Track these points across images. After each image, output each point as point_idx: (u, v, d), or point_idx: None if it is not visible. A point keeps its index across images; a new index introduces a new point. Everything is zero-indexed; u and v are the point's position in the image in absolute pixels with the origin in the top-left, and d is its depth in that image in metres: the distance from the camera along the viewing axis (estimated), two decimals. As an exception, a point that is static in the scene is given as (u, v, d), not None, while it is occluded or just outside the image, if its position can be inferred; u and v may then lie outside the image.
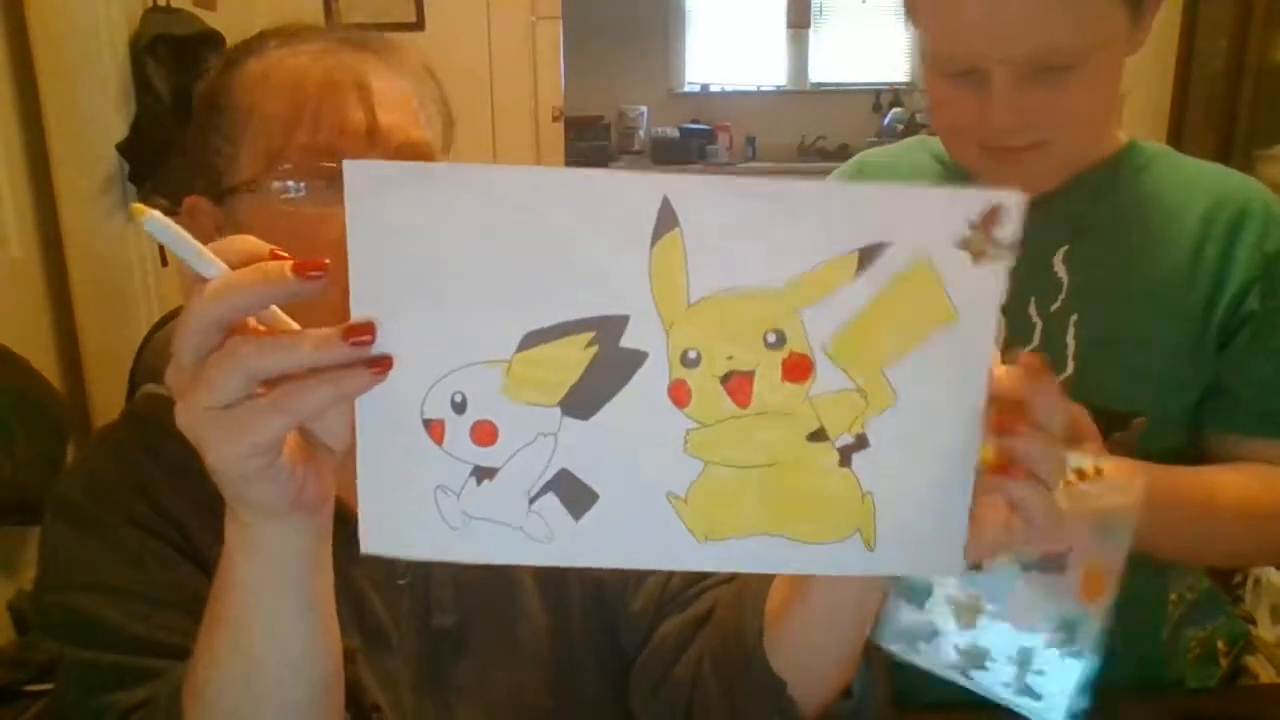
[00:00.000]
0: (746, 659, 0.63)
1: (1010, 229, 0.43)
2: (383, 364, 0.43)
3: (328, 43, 0.69)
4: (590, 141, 5.09)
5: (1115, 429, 0.85)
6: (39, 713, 1.50)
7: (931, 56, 0.82)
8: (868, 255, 0.43)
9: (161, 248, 2.11)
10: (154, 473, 0.69)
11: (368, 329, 0.42)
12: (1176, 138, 2.68)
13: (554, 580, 0.76)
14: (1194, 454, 0.89)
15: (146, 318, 2.02)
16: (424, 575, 0.73)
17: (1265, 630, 1.76)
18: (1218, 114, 2.48)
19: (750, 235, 0.43)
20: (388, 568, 0.72)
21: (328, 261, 0.42)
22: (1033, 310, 0.88)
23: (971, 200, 0.42)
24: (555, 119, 3.00)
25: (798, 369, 0.45)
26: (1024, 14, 0.75)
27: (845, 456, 0.46)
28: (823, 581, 0.57)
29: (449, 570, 0.73)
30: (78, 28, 1.93)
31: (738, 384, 0.45)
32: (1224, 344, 0.85)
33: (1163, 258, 0.86)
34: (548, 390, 0.45)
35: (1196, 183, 0.89)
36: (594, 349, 0.44)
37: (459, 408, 0.45)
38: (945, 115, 0.86)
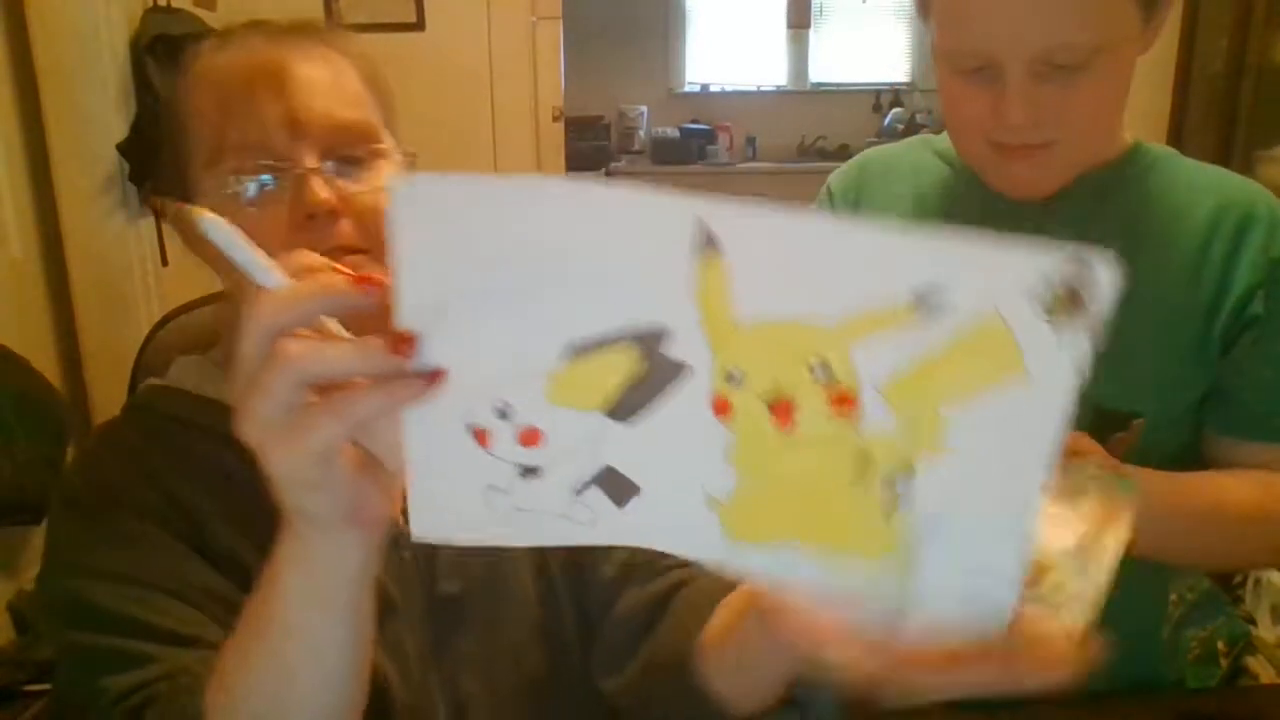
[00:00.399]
0: (687, 688, 0.65)
1: (1098, 294, 0.40)
2: (436, 376, 0.43)
3: (255, 39, 0.70)
4: (590, 141, 5.09)
5: (1115, 430, 0.85)
6: (39, 712, 1.50)
7: (944, 53, 0.82)
8: (928, 301, 0.41)
9: (162, 247, 2.11)
10: (157, 461, 0.70)
11: (409, 340, 0.42)
12: (1176, 138, 2.67)
13: (537, 551, 0.78)
14: (1195, 456, 0.89)
15: (146, 318, 2.02)
16: (428, 545, 0.74)
17: (1265, 630, 1.76)
18: (1218, 114, 2.48)
19: (800, 266, 0.42)
20: (393, 540, 0.73)
21: (385, 280, 0.42)
22: None
23: (1053, 258, 0.40)
24: (555, 119, 3.00)
25: (844, 402, 0.44)
26: (1037, 10, 0.75)
27: (890, 495, 0.45)
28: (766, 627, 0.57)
29: None
30: (78, 28, 1.93)
31: (781, 407, 0.44)
32: (1226, 347, 0.85)
33: (1167, 260, 0.86)
34: (591, 397, 0.45)
35: (1201, 185, 0.89)
36: (637, 359, 0.44)
37: (503, 415, 0.45)
38: (956, 112, 0.86)
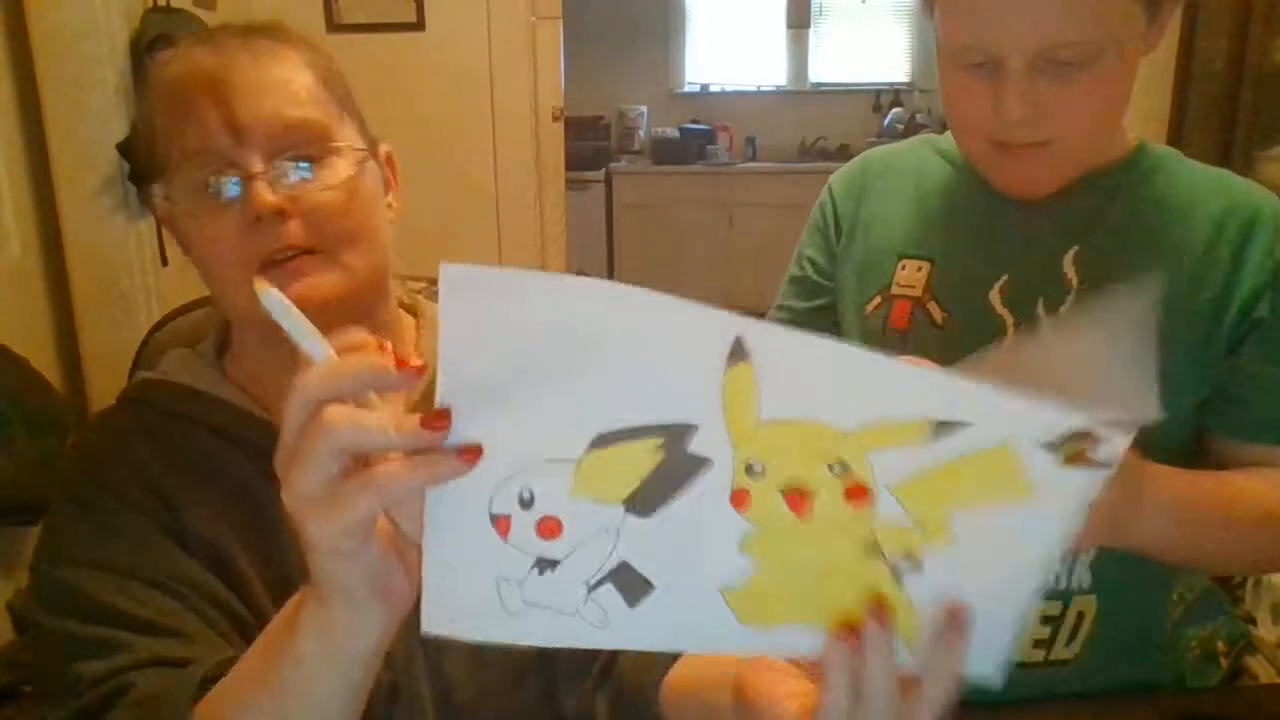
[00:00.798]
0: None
1: (1110, 451, 0.42)
2: (472, 452, 0.44)
3: (202, 47, 0.71)
4: (590, 141, 5.09)
5: None
6: (39, 713, 1.49)
7: (947, 48, 0.82)
8: (946, 429, 0.44)
9: (162, 247, 2.11)
10: (145, 452, 0.72)
11: (444, 417, 0.43)
12: (1176, 138, 2.67)
13: None
14: (1192, 458, 0.89)
15: (146, 318, 2.01)
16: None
17: (1265, 630, 1.76)
18: (1218, 114, 2.48)
19: (827, 384, 0.44)
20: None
21: (425, 363, 0.45)
22: (1040, 310, 0.88)
23: (1068, 416, 0.43)
24: (555, 119, 3.00)
25: (858, 494, 0.46)
26: (1043, 6, 0.75)
27: (897, 574, 0.48)
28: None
29: None
30: (78, 28, 1.92)
31: (798, 496, 0.46)
32: (1231, 349, 0.85)
33: (1172, 259, 0.86)
34: (613, 489, 0.46)
35: (1206, 187, 0.88)
36: (661, 453, 0.46)
37: (526, 503, 0.46)
38: (958, 108, 0.86)
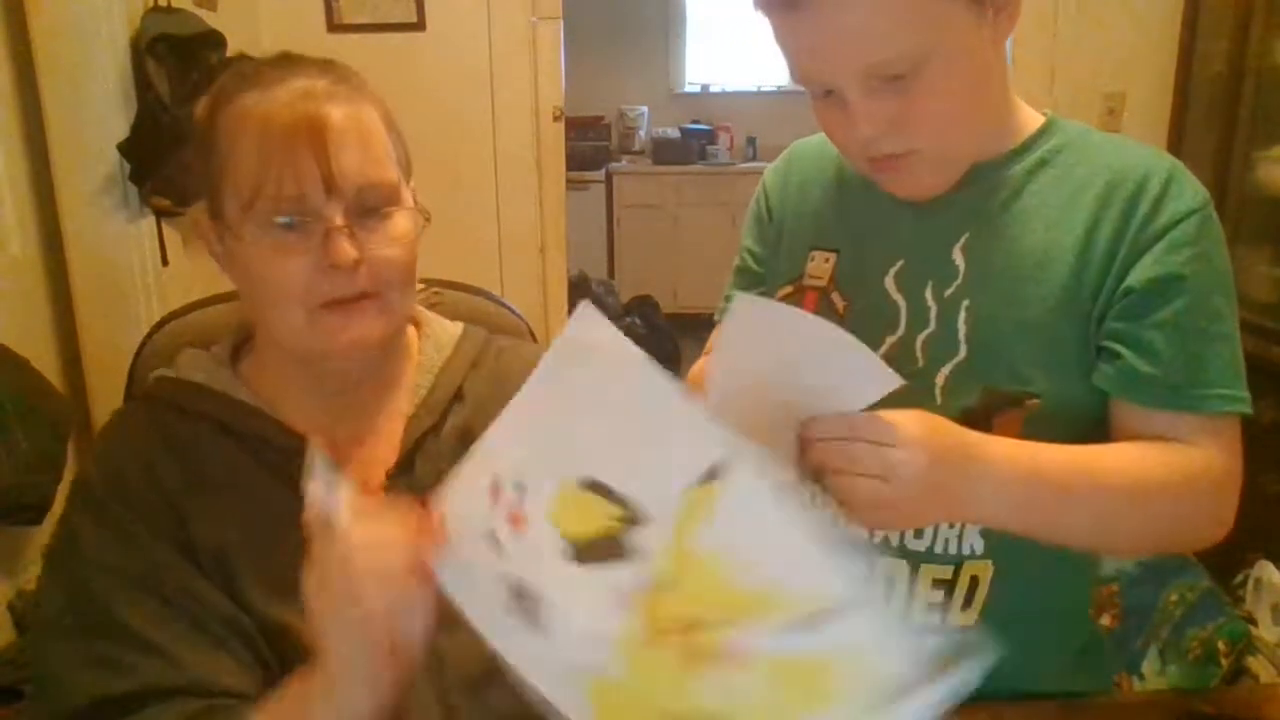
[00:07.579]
0: None
1: (969, 667, 0.47)
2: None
3: (294, 87, 0.73)
4: (590, 141, 5.09)
5: (1009, 408, 0.85)
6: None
7: (802, 84, 0.86)
8: (827, 617, 0.48)
9: (162, 247, 2.11)
10: (159, 451, 0.74)
11: (442, 533, 0.57)
12: (1177, 138, 2.67)
13: None
14: (1104, 437, 0.85)
15: (146, 318, 2.01)
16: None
17: (1265, 630, 1.76)
18: (1218, 114, 2.47)
19: (766, 535, 0.49)
20: None
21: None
22: (929, 295, 0.89)
23: (941, 640, 0.47)
24: (555, 119, 3.00)
25: (736, 660, 0.50)
26: (849, 32, 0.77)
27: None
28: None
29: None
30: (78, 27, 1.92)
31: (688, 639, 0.50)
32: (1116, 318, 0.84)
33: (1057, 240, 0.86)
34: (569, 527, 0.53)
35: (1102, 161, 0.88)
36: (615, 524, 0.51)
37: (519, 489, 0.55)
38: (829, 136, 0.90)
